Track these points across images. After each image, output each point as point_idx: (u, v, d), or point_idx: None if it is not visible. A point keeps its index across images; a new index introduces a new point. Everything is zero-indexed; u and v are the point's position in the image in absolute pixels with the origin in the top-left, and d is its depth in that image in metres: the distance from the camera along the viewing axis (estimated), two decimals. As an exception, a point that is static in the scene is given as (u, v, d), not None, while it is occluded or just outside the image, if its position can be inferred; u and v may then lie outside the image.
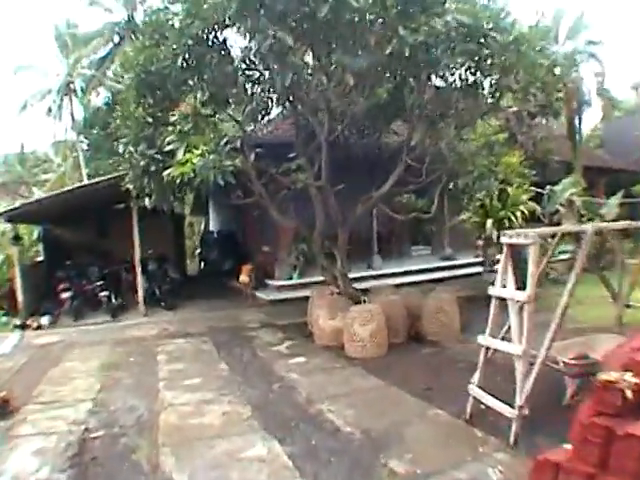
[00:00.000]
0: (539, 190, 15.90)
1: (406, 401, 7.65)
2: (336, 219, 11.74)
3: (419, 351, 10.33)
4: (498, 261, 14.58)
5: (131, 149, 9.98)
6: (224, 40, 9.81)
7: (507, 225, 14.25)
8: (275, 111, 12.63)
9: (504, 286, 6.70)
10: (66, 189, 14.34)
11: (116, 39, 33.14)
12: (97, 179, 14.71)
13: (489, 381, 6.95)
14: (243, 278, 16.54)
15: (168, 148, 8.83)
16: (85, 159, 31.76)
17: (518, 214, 14.52)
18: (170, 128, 8.83)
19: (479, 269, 17.48)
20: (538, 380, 5.97)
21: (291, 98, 10.99)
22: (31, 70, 34.74)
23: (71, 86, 35.38)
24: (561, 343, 7.18)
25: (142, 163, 9.83)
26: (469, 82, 10.12)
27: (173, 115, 8.85)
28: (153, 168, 9.70)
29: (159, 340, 12.07)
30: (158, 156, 9.52)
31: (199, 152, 8.11)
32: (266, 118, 12.68)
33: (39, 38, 70.31)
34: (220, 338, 11.97)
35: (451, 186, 12.39)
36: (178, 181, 8.67)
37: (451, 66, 9.44)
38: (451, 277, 17.90)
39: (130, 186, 10.83)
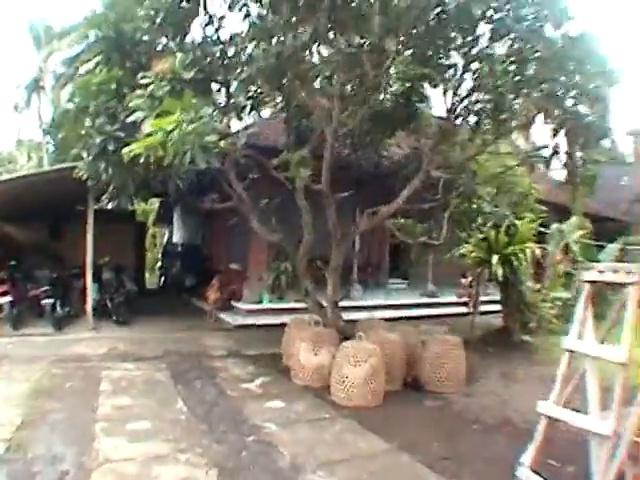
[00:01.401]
0: (542, 229, 14.49)
1: (425, 477, 5.91)
2: (334, 234, 9.92)
3: (420, 403, 8.70)
4: (486, 302, 12.87)
5: (88, 124, 8.04)
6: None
7: (515, 264, 12.67)
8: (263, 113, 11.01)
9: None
10: (6, 177, 12.26)
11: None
12: (45, 169, 12.64)
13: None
14: (212, 296, 14.72)
15: (132, 118, 6.82)
16: (51, 161, 29.17)
17: (528, 252, 12.86)
18: (139, 92, 6.85)
19: (463, 309, 16.01)
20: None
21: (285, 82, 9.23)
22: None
23: (40, 83, 33.47)
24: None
25: (98, 140, 7.86)
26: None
27: (144, 78, 6.88)
28: (111, 147, 7.77)
29: (105, 362, 10.06)
30: (119, 133, 7.53)
31: (174, 118, 6.07)
32: (250, 117, 10.92)
33: (13, 30, 67.58)
34: (179, 366, 10.02)
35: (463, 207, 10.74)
36: (141, 161, 6.71)
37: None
38: (433, 316, 16.42)
39: (82, 173, 8.86)
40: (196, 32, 9.09)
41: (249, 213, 10.20)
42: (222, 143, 6.98)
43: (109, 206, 14.59)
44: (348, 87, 9.65)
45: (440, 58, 9.49)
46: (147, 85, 6.87)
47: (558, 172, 11.84)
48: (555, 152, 9.72)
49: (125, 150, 6.43)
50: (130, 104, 6.78)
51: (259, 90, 10.07)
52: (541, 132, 10.16)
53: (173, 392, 8.44)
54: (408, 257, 18.82)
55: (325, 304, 10.37)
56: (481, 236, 13.16)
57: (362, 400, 8.18)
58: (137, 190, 9.42)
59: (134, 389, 8.47)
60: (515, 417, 7.99)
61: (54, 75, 31.73)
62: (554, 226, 15.75)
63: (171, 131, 5.95)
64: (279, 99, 10.84)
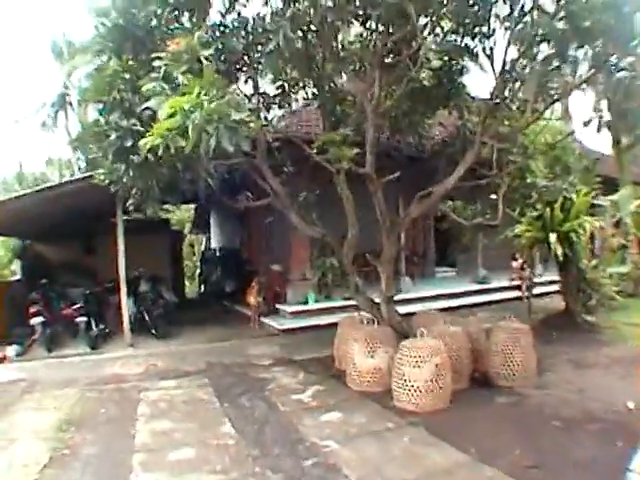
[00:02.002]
0: (595, 202, 13.46)
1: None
2: (382, 223, 9.00)
3: (491, 401, 7.70)
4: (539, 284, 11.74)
5: (101, 121, 7.25)
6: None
7: (575, 240, 11.67)
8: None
9: None
10: (30, 190, 11.59)
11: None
12: (67, 179, 11.93)
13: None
14: (253, 300, 13.82)
15: (147, 105, 5.84)
16: (83, 177, 28.71)
17: (587, 226, 11.79)
18: (153, 75, 5.96)
19: (515, 294, 15.07)
20: None
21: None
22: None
23: (66, 98, 33.09)
24: None
25: (113, 137, 7.05)
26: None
27: (158, 59, 5.99)
28: (129, 143, 6.92)
29: (143, 381, 9.28)
30: (137, 127, 6.67)
31: (194, 96, 5.14)
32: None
33: (35, 47, 67.54)
34: (223, 380, 9.19)
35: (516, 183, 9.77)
36: (162, 157, 5.82)
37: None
38: (485, 303, 15.32)
39: (103, 178, 8.10)
40: (216, 17, 8.30)
41: (287, 209, 9.33)
42: (252, 124, 6.01)
43: (138, 215, 14.03)
44: (387, 59, 8.70)
45: (480, 25, 8.57)
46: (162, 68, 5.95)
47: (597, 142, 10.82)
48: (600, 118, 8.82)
49: (142, 142, 5.51)
50: (143, 88, 5.89)
51: (287, 77, 9.24)
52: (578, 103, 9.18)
53: (218, 411, 7.59)
54: (456, 243, 17.84)
55: (377, 300, 9.46)
56: (535, 214, 12.17)
57: (428, 404, 7.27)
58: (164, 193, 8.61)
59: (175, 411, 7.65)
60: (597, 409, 7.02)
61: (79, 90, 31.24)
62: (607, 197, 14.64)
63: (191, 112, 5.04)
64: (309, 86, 9.94)
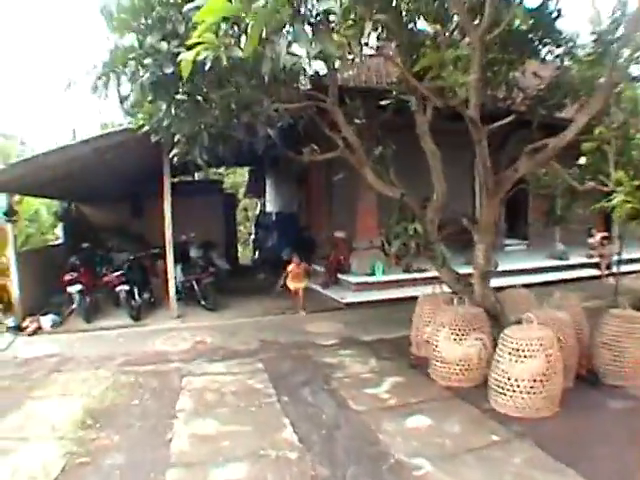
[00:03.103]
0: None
1: None
2: (484, 182, 7.39)
3: (604, 406, 6.13)
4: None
5: (136, 45, 5.77)
6: None
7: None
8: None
9: None
10: (65, 144, 10.27)
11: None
12: (107, 130, 10.54)
13: None
14: (295, 284, 11.61)
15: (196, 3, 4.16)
16: (138, 140, 27.53)
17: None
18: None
19: (592, 272, 13.90)
20: None
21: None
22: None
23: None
24: None
25: (147, 61, 5.57)
26: None
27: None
28: (170, 70, 5.41)
29: (188, 363, 7.97)
30: (181, 50, 5.05)
31: None
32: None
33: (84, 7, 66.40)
34: (280, 365, 7.80)
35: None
36: (207, 68, 4.16)
37: None
38: (560, 281, 13.43)
39: (141, 124, 6.77)
40: None
41: (360, 165, 7.87)
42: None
43: (188, 176, 12.75)
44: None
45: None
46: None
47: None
48: None
49: (183, 56, 3.93)
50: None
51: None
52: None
53: (276, 408, 6.18)
54: (530, 212, 16.13)
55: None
56: (636, 183, 10.35)
57: (534, 408, 5.79)
58: (215, 142, 7.18)
59: (223, 406, 6.27)
60: None
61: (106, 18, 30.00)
62: None
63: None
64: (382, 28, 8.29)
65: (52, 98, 58.73)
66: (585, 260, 14.68)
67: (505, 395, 5.90)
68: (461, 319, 6.85)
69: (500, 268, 12.78)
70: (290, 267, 11.54)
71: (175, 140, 7.09)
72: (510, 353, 5.91)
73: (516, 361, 5.85)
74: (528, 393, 5.78)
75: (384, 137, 8.53)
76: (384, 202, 9.06)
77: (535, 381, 5.77)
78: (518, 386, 5.81)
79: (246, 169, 25.87)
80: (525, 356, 5.82)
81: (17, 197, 12.27)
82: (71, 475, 4.71)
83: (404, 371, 7.35)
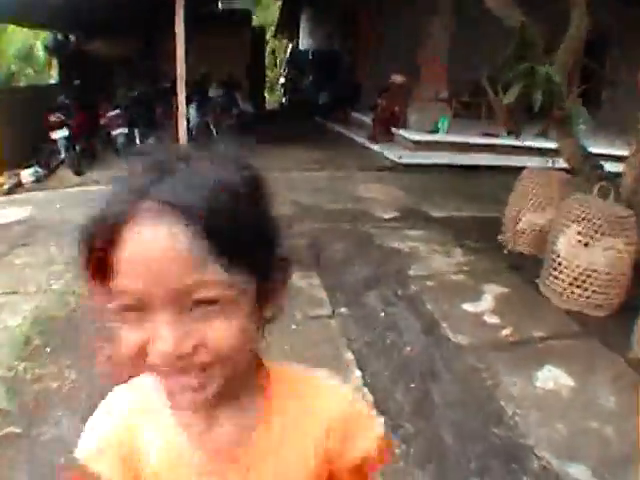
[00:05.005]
0: None
1: None
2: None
3: None
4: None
5: None
6: None
7: None
8: None
9: None
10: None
11: None
12: None
13: None
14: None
15: None
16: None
17: None
18: None
19: None
20: None
21: None
22: None
23: None
24: None
25: None
26: None
27: None
28: None
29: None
30: None
31: None
32: None
33: None
34: (329, 248, 5.50)
35: None
36: None
37: None
38: None
39: None
40: None
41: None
42: None
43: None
44: None
45: None
46: None
47: None
48: None
49: None
50: None
51: None
52: None
53: (331, 330, 4.00)
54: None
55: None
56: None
57: None
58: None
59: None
60: None
61: None
62: None
63: None
64: None
65: None
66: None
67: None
68: (600, 216, 4.41)
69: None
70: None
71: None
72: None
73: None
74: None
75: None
76: (460, 46, 8.06)
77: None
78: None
79: (278, 3, 22.70)
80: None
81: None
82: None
83: (504, 276, 5.03)
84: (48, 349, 3.65)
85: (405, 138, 10.12)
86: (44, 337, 3.77)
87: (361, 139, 10.66)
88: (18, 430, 2.93)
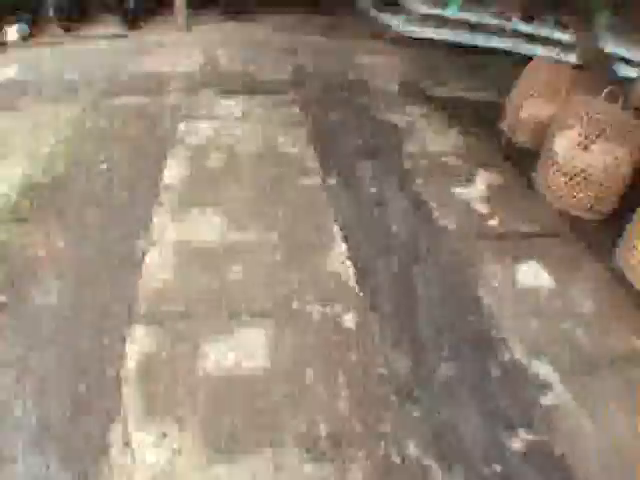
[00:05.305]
0: None
1: None
2: None
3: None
4: None
5: None
6: None
7: None
8: None
9: None
10: None
11: None
12: None
13: None
14: None
15: None
16: None
17: None
18: None
19: None
20: None
21: None
22: None
23: None
24: None
25: None
26: None
27: None
28: None
29: (190, 95, 5.53)
30: None
31: None
32: None
33: None
34: (325, 116, 5.35)
35: None
36: None
37: None
38: None
39: None
40: None
41: None
42: None
43: None
44: None
45: None
46: None
47: None
48: None
49: None
50: None
51: None
52: None
53: (320, 199, 3.94)
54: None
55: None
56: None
57: None
58: None
59: (234, 181, 4.03)
60: None
61: None
62: None
63: None
64: None
65: None
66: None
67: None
68: (604, 120, 4.22)
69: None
70: None
71: None
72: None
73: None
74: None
75: None
76: None
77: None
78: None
79: None
80: None
81: None
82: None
83: (498, 163, 4.91)
84: (35, 215, 3.57)
85: (413, 10, 9.59)
86: (31, 204, 3.69)
87: (366, 6, 10.10)
88: (4, 299, 2.93)
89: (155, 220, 3.53)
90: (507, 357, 2.80)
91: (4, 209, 3.58)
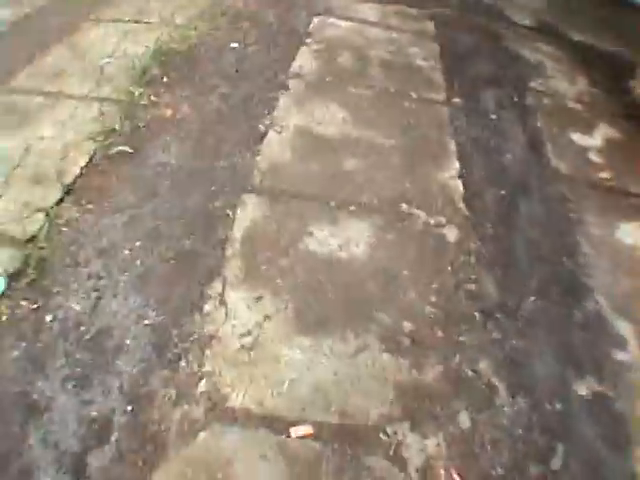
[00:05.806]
0: None
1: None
2: None
3: None
4: None
5: None
6: None
7: None
8: None
9: None
10: None
11: None
12: None
13: None
14: None
15: None
16: None
17: None
18: None
19: None
20: None
21: None
22: None
23: None
24: None
25: None
26: None
27: None
28: None
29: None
30: None
31: None
32: None
33: None
34: (458, 40, 5.22)
35: None
36: None
37: None
38: None
39: None
40: None
41: None
42: None
43: None
44: None
45: None
46: None
47: None
48: None
49: None
50: None
51: None
52: None
53: (440, 116, 3.96)
54: None
55: None
56: None
57: None
58: None
59: (358, 83, 4.07)
60: None
61: None
62: None
63: None
64: None
65: None
66: None
67: None
68: None
69: None
70: None
71: None
72: None
73: None
74: None
75: None
76: None
77: None
78: None
79: None
80: None
81: None
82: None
83: (622, 121, 4.71)
84: (165, 79, 3.76)
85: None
86: (163, 68, 3.87)
87: None
88: (130, 150, 3.11)
89: (281, 103, 3.65)
90: (591, 307, 2.84)
91: (138, 69, 3.76)
